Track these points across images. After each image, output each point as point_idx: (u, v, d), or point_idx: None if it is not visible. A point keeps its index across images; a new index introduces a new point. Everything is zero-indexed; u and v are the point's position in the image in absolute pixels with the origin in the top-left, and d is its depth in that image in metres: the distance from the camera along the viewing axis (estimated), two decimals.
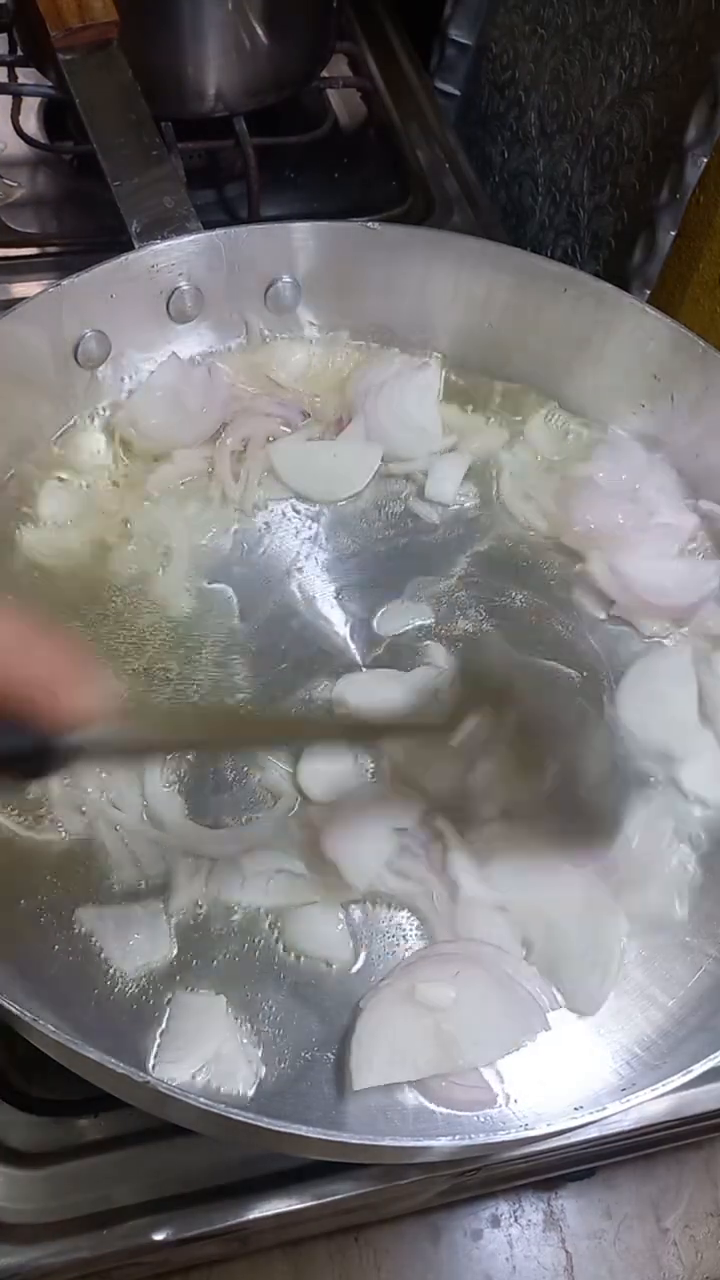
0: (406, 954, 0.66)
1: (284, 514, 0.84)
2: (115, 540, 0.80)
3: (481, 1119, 0.61)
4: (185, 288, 0.86)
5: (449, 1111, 0.61)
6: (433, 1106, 0.61)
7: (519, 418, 0.91)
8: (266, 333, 0.91)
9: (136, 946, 0.63)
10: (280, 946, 0.65)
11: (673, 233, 0.99)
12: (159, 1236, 0.61)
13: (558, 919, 0.66)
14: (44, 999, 0.60)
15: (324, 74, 1.14)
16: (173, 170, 0.87)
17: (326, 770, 0.70)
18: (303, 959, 0.65)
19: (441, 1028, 0.60)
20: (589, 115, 1.08)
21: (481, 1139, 0.54)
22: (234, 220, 1.08)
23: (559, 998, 0.64)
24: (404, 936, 0.66)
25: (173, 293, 0.85)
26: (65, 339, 0.82)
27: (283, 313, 0.91)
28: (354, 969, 0.65)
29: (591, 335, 0.88)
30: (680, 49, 0.94)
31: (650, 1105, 0.65)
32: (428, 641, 0.78)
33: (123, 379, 0.87)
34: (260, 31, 1.01)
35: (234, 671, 0.75)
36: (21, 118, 1.10)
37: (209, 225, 0.84)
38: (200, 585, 0.79)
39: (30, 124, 1.12)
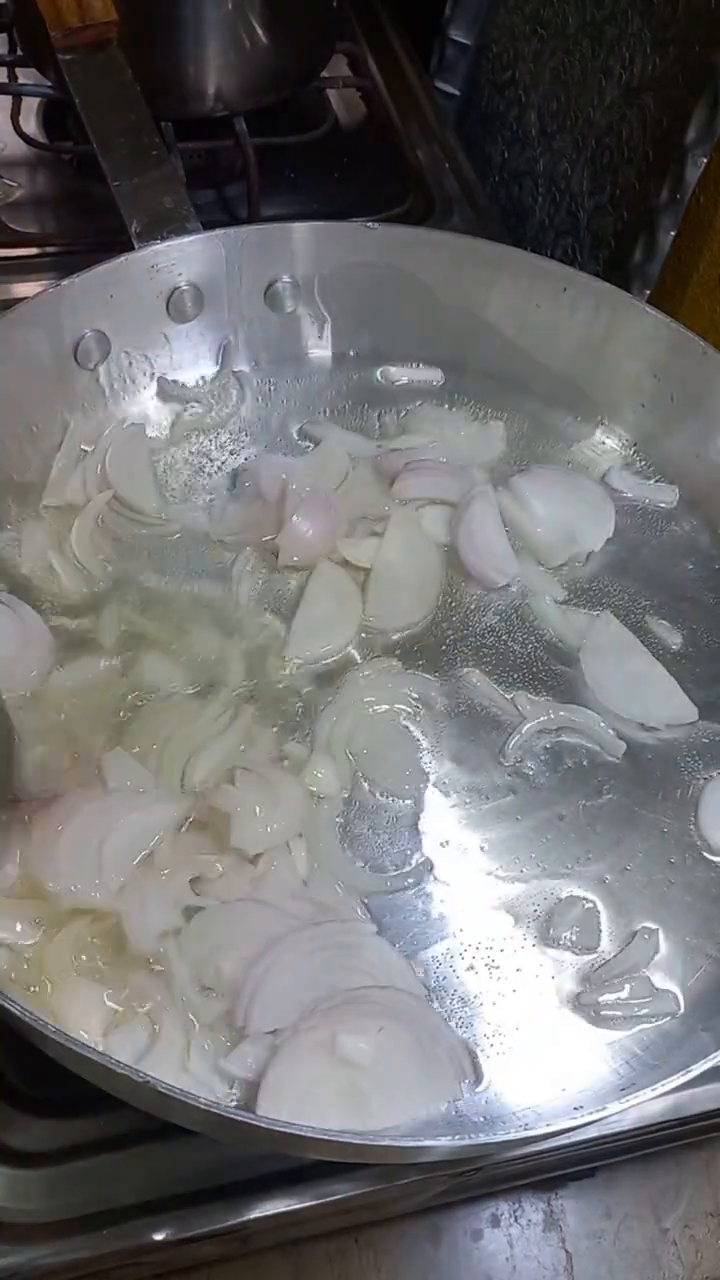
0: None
1: None
2: None
3: (481, 1119, 0.61)
4: (185, 288, 0.86)
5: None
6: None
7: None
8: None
9: None
10: None
11: (673, 233, 0.99)
12: (159, 1236, 0.61)
13: None
14: None
15: (324, 74, 1.15)
16: (173, 170, 0.87)
17: None
18: None
19: (356, 1085, 0.59)
20: (589, 115, 1.08)
21: (481, 1139, 0.54)
22: (234, 220, 1.09)
23: None
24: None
25: (173, 293, 0.85)
26: (65, 339, 0.82)
27: (282, 313, 0.91)
28: None
29: (591, 335, 0.88)
30: (680, 49, 0.94)
31: (650, 1105, 0.65)
32: None
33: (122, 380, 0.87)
34: (260, 31, 1.01)
35: None
36: (21, 118, 1.10)
37: (209, 225, 0.84)
38: None
39: (30, 124, 1.12)
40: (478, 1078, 0.62)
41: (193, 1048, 0.60)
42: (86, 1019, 0.60)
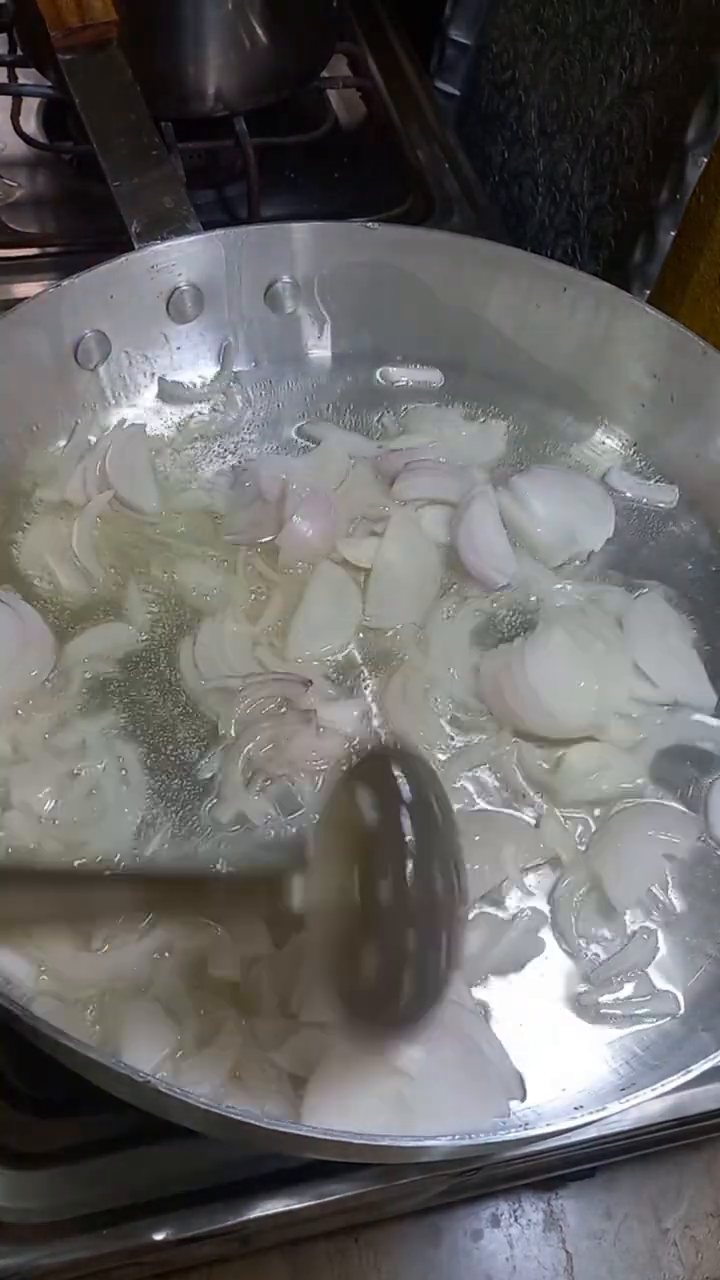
0: None
1: None
2: None
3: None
4: (185, 288, 0.86)
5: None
6: None
7: None
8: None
9: None
10: None
11: (673, 233, 0.99)
12: (159, 1236, 0.61)
13: None
14: None
15: (324, 74, 1.15)
16: (173, 170, 0.87)
17: None
18: None
19: (402, 1095, 0.59)
20: (589, 115, 1.08)
21: (481, 1139, 0.54)
22: (234, 220, 1.08)
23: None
24: None
25: (173, 293, 0.85)
26: (65, 339, 0.82)
27: (282, 313, 0.91)
28: None
29: (591, 335, 0.88)
30: (680, 49, 0.94)
31: (650, 1105, 0.65)
32: None
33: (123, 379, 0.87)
34: (260, 31, 1.01)
35: None
36: (21, 118, 1.10)
37: (209, 225, 0.84)
38: None
39: (30, 124, 1.12)
40: (524, 1096, 0.62)
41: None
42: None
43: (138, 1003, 0.61)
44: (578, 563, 0.84)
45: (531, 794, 0.72)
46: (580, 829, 0.71)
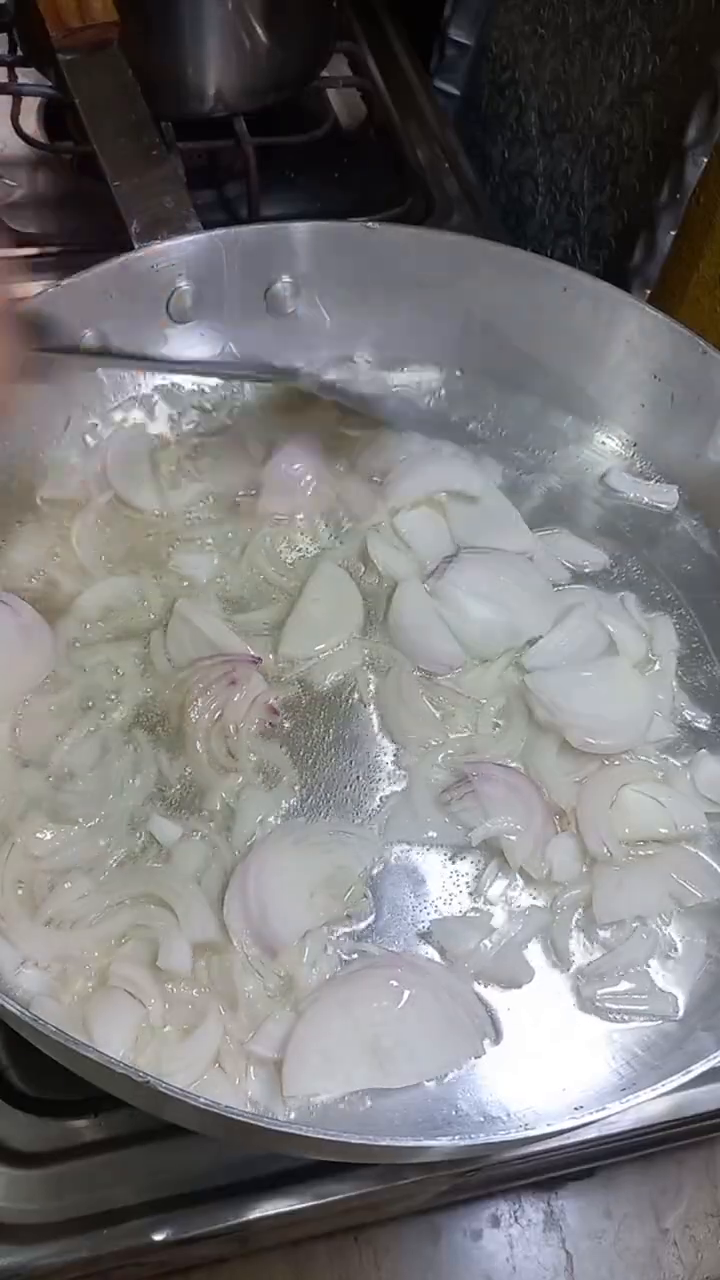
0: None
1: None
2: None
3: (481, 1119, 0.61)
4: (185, 288, 0.86)
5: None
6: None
7: None
8: None
9: None
10: None
11: (673, 233, 0.99)
12: (159, 1236, 0.61)
13: None
14: None
15: (324, 74, 1.15)
16: (173, 170, 0.87)
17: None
18: None
19: (380, 1042, 0.60)
20: (589, 115, 1.08)
21: (481, 1139, 0.54)
22: (234, 220, 1.08)
23: None
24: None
25: (172, 293, 0.85)
26: (65, 339, 0.82)
27: (281, 313, 0.91)
28: None
29: (591, 335, 0.88)
30: (680, 49, 0.94)
31: (650, 1105, 0.65)
32: None
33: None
34: (260, 31, 1.01)
35: None
36: (21, 118, 1.10)
37: (209, 225, 0.84)
38: None
39: (30, 124, 1.11)
40: (498, 1036, 0.63)
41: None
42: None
43: (111, 993, 0.62)
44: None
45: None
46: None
